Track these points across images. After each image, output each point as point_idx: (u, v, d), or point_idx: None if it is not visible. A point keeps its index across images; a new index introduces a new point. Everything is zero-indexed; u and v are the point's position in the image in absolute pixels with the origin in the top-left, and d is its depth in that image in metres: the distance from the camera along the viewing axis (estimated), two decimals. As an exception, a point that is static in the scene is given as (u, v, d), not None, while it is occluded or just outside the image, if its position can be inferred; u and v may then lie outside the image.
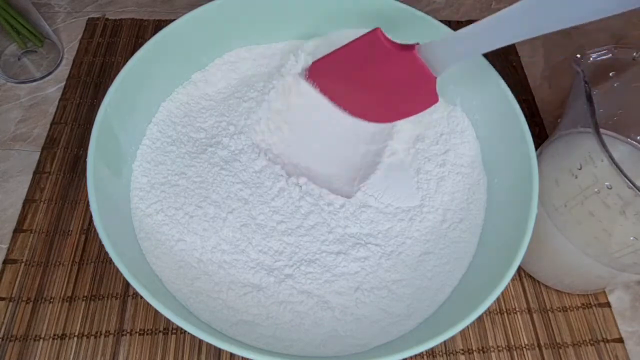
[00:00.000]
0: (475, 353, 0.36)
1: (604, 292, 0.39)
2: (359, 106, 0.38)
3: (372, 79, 0.36)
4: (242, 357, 0.27)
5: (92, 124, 0.33)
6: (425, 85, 0.34)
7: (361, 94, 0.37)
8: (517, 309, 0.38)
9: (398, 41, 0.34)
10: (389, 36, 0.34)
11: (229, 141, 0.37)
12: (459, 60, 0.32)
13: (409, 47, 0.33)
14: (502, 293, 0.30)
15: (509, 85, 0.36)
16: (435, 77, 0.33)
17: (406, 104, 0.37)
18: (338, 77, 0.38)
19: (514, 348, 0.37)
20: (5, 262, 0.38)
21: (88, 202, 0.30)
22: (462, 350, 0.36)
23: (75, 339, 0.35)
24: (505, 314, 0.38)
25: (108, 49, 0.51)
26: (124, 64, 0.35)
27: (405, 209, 0.36)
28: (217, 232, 0.33)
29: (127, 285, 0.37)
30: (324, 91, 0.39)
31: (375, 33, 0.34)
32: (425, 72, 0.33)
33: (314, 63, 0.38)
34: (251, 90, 0.40)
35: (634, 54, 0.32)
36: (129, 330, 0.36)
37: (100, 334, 0.36)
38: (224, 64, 0.42)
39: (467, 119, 0.40)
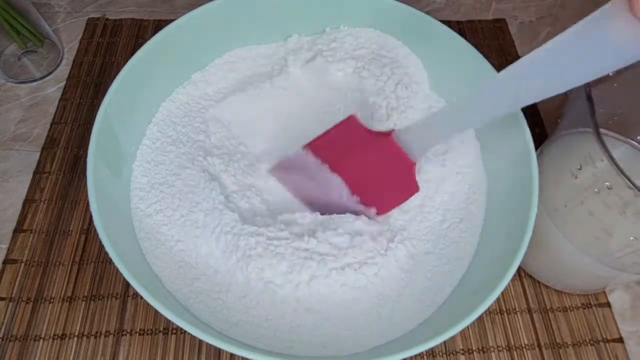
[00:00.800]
0: (475, 353, 0.36)
1: (604, 292, 0.39)
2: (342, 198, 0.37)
3: (353, 170, 0.36)
4: (242, 357, 0.27)
5: (92, 124, 0.33)
6: (406, 172, 0.34)
7: (341, 186, 0.36)
8: (517, 309, 0.38)
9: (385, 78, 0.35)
10: (388, 38, 0.34)
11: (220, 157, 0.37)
12: (436, 142, 0.33)
13: (386, 134, 0.33)
14: (502, 293, 0.30)
15: (509, 85, 0.36)
16: (414, 164, 0.33)
17: (389, 195, 0.36)
18: (317, 171, 0.37)
19: (514, 348, 0.37)
20: (5, 262, 0.38)
21: (88, 202, 0.30)
22: (462, 350, 0.36)
23: (75, 339, 0.35)
24: (505, 314, 0.38)
25: (108, 49, 0.50)
26: (124, 64, 0.35)
27: (405, 209, 0.36)
28: (207, 242, 0.33)
29: (127, 285, 0.37)
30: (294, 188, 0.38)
31: (350, 120, 0.34)
32: (403, 157, 0.33)
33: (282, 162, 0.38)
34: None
35: (634, 54, 0.32)
36: (129, 330, 0.36)
37: (100, 334, 0.36)
38: (224, 64, 0.42)
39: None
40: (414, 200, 0.36)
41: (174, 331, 0.36)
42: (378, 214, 0.36)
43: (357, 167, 0.35)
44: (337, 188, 0.36)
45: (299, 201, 0.38)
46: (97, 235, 0.29)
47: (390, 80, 0.40)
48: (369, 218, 0.36)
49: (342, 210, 0.36)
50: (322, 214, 0.36)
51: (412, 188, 0.34)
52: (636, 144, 0.38)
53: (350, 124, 0.35)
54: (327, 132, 0.36)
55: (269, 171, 0.38)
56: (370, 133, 0.34)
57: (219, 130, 0.39)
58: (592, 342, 0.37)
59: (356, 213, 0.36)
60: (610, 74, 0.33)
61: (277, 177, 0.38)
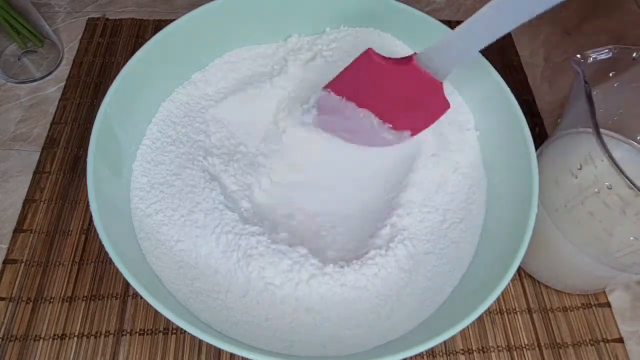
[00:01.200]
0: (475, 353, 0.36)
1: (604, 292, 0.39)
2: (372, 133, 0.38)
3: (379, 100, 0.36)
4: (242, 357, 0.27)
5: (92, 124, 0.33)
6: (434, 92, 0.34)
7: (370, 118, 0.37)
8: (517, 309, 0.38)
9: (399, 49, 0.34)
10: (387, 46, 0.34)
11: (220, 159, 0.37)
12: (459, 60, 0.32)
13: (407, 60, 0.33)
14: (502, 293, 0.30)
15: (509, 85, 0.36)
16: (441, 83, 0.33)
17: (420, 116, 0.36)
18: (343, 108, 0.37)
19: (514, 348, 0.37)
20: (5, 262, 0.38)
21: (88, 202, 0.30)
22: (462, 350, 0.36)
23: (75, 339, 0.35)
24: (505, 314, 0.38)
25: (108, 49, 0.50)
26: (124, 64, 0.35)
27: (406, 209, 0.36)
28: (207, 242, 0.33)
29: (127, 285, 0.37)
30: (331, 130, 0.39)
31: (367, 55, 0.34)
32: (429, 79, 0.33)
33: (320, 103, 0.37)
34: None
35: (634, 54, 0.32)
36: (129, 330, 0.36)
37: (100, 334, 0.36)
38: (224, 64, 0.42)
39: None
40: (414, 200, 0.36)
41: (174, 331, 0.36)
42: (412, 134, 0.37)
43: (383, 97, 0.35)
44: (367, 120, 0.37)
45: (338, 137, 0.39)
46: (97, 235, 0.29)
47: None
48: (404, 141, 0.37)
49: (378, 140, 0.38)
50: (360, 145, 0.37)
51: (442, 105, 0.35)
52: (636, 144, 0.38)
53: (368, 57, 0.34)
54: (347, 69, 0.35)
55: (312, 120, 0.38)
56: (391, 62, 0.33)
57: (219, 130, 0.39)
58: (592, 342, 0.37)
59: (389, 142, 0.37)
60: (611, 75, 0.33)
61: (315, 124, 0.38)
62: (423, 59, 0.32)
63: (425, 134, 0.38)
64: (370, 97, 0.36)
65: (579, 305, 0.39)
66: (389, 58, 0.34)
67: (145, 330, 0.36)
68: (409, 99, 0.35)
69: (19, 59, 0.48)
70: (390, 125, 0.37)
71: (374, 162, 0.39)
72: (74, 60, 0.49)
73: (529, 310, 0.38)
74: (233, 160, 0.38)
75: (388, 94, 0.35)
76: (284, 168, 0.39)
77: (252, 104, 0.41)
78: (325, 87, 0.37)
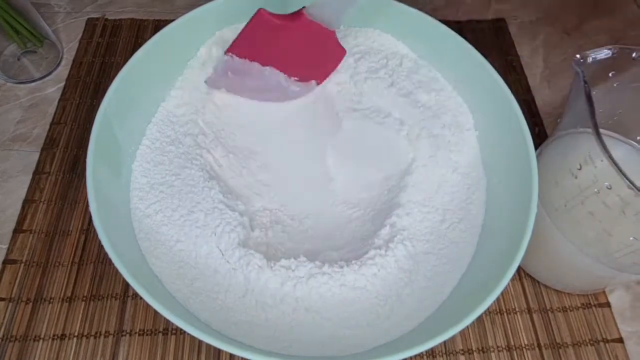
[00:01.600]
0: (475, 353, 0.36)
1: (604, 292, 0.39)
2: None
3: (280, 56, 0.38)
4: (242, 358, 0.27)
5: (92, 124, 0.33)
6: (328, 41, 0.37)
7: (276, 75, 0.39)
8: (517, 309, 0.38)
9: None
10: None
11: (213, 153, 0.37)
12: (347, 6, 0.34)
13: (297, 14, 0.35)
14: (501, 293, 0.30)
15: (509, 85, 0.36)
16: (333, 31, 0.36)
17: (321, 65, 0.39)
18: (249, 69, 0.38)
19: (513, 348, 0.37)
20: (4, 262, 0.38)
21: (87, 202, 0.30)
22: (462, 350, 0.36)
23: (75, 339, 0.35)
24: (505, 314, 0.38)
25: (108, 49, 0.50)
26: (124, 64, 0.35)
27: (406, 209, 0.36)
28: (207, 242, 0.33)
29: (126, 285, 0.37)
30: (245, 92, 0.40)
31: (259, 14, 0.36)
32: (321, 30, 0.36)
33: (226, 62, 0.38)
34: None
35: (634, 54, 0.32)
36: (128, 331, 0.36)
37: (100, 335, 0.35)
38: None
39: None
40: (413, 200, 0.36)
41: (174, 331, 0.36)
42: (318, 83, 0.40)
43: (283, 53, 0.38)
44: (274, 77, 0.39)
45: (248, 100, 0.40)
46: (97, 235, 0.29)
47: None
48: (312, 89, 0.40)
49: (286, 94, 0.40)
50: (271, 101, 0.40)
51: (340, 52, 0.39)
52: (636, 144, 0.38)
53: (260, 16, 0.36)
54: (242, 32, 0.37)
55: (206, 82, 0.39)
56: (283, 18, 0.36)
57: (219, 130, 0.39)
58: (592, 342, 0.37)
59: (299, 94, 0.40)
60: (610, 75, 0.33)
61: (215, 87, 0.40)
62: (312, 12, 0.35)
63: (423, 136, 0.38)
64: (271, 55, 0.38)
65: (579, 305, 0.39)
66: (281, 15, 0.36)
67: (145, 330, 0.36)
68: (307, 51, 0.38)
69: (18, 59, 0.48)
70: (297, 78, 0.39)
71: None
72: (73, 61, 0.49)
73: (529, 310, 0.38)
74: (233, 159, 0.38)
75: (287, 49, 0.37)
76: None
77: (252, 103, 0.41)
78: (227, 52, 0.38)
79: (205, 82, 0.39)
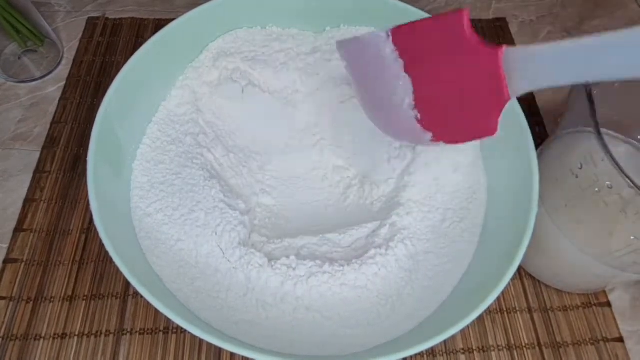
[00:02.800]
0: (475, 352, 0.36)
1: (604, 291, 0.39)
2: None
3: (431, 77, 0.28)
4: (243, 357, 0.27)
5: (93, 124, 0.33)
6: (493, 106, 0.26)
7: (406, 91, 0.29)
8: (518, 309, 0.38)
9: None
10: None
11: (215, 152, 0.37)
12: (554, 82, 0.23)
13: (495, 48, 0.25)
14: (502, 292, 0.30)
15: (510, 85, 0.36)
16: (508, 99, 0.25)
17: (456, 124, 0.29)
18: (387, 61, 0.29)
19: (514, 347, 0.37)
20: (5, 261, 0.38)
21: (88, 201, 0.30)
22: (463, 349, 0.36)
23: (76, 338, 0.35)
24: (505, 313, 0.38)
25: (108, 48, 0.50)
26: (124, 63, 0.35)
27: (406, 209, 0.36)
28: (208, 241, 0.33)
29: (127, 284, 0.37)
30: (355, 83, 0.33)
31: (460, 16, 0.25)
32: (499, 86, 0.25)
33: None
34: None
35: (635, 53, 0.32)
36: (129, 330, 0.36)
37: (101, 334, 0.36)
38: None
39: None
40: (414, 199, 0.36)
41: (175, 330, 0.36)
42: (433, 140, 0.30)
43: (436, 76, 0.28)
44: (401, 92, 0.29)
45: (356, 93, 0.34)
46: (98, 234, 0.29)
47: None
48: (421, 143, 0.31)
49: (394, 118, 0.31)
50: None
51: (489, 127, 0.27)
52: (637, 143, 0.38)
53: (455, 19, 0.25)
54: (423, 21, 0.28)
55: (337, 43, 0.32)
56: (474, 39, 0.25)
57: (219, 129, 0.39)
58: (592, 341, 0.37)
59: (398, 136, 0.32)
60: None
61: (345, 57, 0.32)
62: (513, 56, 0.24)
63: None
64: (424, 67, 0.28)
65: (579, 304, 0.39)
66: (476, 34, 0.25)
67: (146, 329, 0.36)
68: (459, 98, 0.27)
69: (19, 59, 0.48)
70: (418, 115, 0.29)
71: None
72: (74, 60, 0.49)
73: (529, 310, 0.38)
74: (233, 158, 0.38)
75: (443, 77, 0.27)
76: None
77: (251, 101, 0.41)
78: (391, 30, 0.28)
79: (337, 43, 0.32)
